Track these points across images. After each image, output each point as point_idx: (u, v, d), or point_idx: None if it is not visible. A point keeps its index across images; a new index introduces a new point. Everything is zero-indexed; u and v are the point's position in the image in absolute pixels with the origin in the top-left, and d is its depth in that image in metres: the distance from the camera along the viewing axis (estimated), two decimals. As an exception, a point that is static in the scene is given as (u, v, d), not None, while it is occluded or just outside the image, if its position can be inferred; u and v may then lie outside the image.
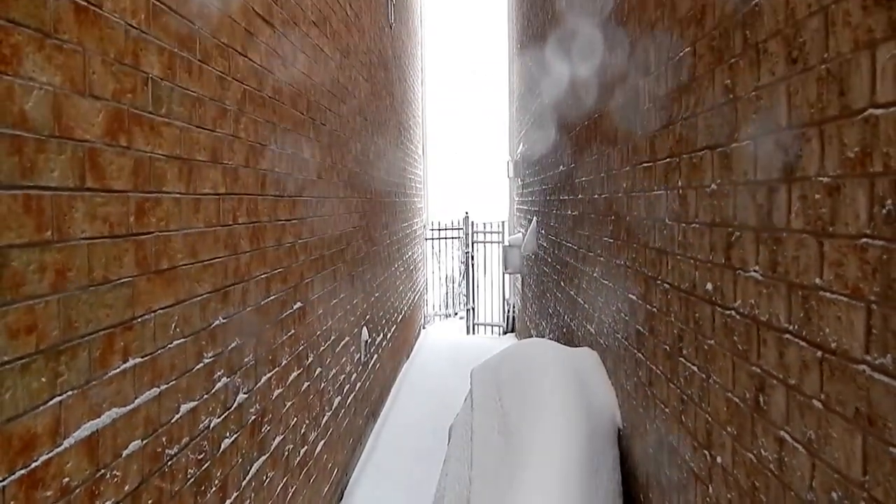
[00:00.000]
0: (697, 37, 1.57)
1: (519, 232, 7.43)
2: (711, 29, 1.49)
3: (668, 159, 1.82)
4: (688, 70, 1.63)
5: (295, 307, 2.65)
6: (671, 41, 1.78)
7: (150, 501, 1.42)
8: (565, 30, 3.72)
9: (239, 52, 2.04)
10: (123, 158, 1.36)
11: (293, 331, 2.62)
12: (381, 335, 5.03)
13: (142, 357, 1.43)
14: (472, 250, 9.67)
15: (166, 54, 1.56)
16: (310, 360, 2.87)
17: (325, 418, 3.11)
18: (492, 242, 9.67)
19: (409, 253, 7.29)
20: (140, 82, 1.44)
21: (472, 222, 9.74)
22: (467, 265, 9.72)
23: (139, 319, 1.42)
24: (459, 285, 10.57)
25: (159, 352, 1.50)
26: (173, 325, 1.57)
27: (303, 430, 2.72)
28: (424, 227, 9.23)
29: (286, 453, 2.47)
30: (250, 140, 2.14)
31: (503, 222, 9.70)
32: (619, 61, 2.41)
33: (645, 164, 2.07)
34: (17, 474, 1.02)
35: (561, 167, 3.94)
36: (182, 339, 1.62)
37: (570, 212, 3.60)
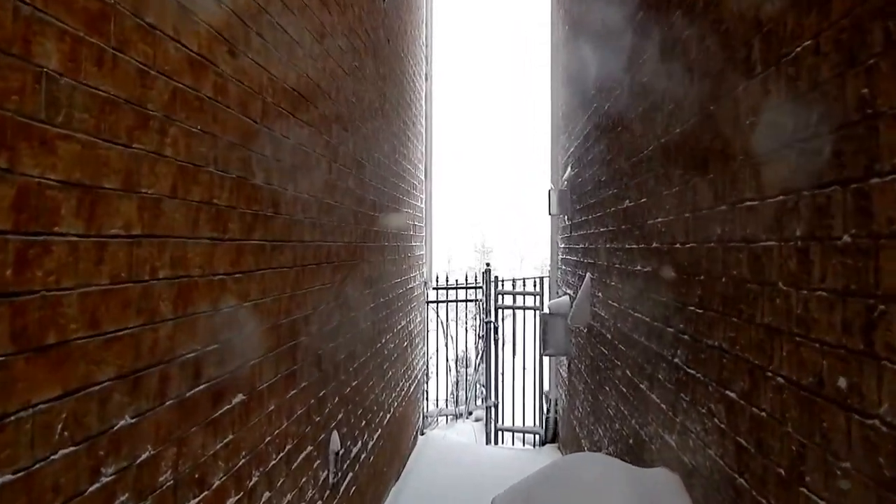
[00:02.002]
0: (821, 27, 1.62)
1: (564, 294, 7.45)
2: (840, 17, 1.54)
3: (780, 197, 1.85)
4: (808, 72, 1.68)
5: (235, 401, 2.64)
6: (785, 30, 1.83)
7: None
8: (630, 14, 3.85)
9: (170, 35, 2.10)
10: (2, 186, 1.39)
11: (231, 436, 2.61)
12: (360, 444, 4.99)
13: (12, 474, 1.41)
14: (497, 319, 9.75)
15: (68, 40, 1.60)
16: (254, 480, 2.85)
17: (273, 570, 3.05)
18: (524, 308, 9.69)
19: (404, 322, 7.31)
20: (31, 79, 1.48)
21: (498, 278, 9.88)
22: (488, 341, 9.76)
23: (11, 418, 1.41)
24: (476, 371, 10.51)
25: (38, 466, 1.49)
26: (59, 427, 1.57)
27: (239, 588, 2.67)
28: (426, 283, 9.29)
29: None
30: (181, 159, 2.19)
31: (541, 279, 9.76)
32: (708, 56, 2.48)
33: (748, 203, 2.10)
34: None
35: (626, 202, 3.99)
36: (72, 448, 1.61)
37: (638, 267, 3.63)
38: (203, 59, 2.36)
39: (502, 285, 9.91)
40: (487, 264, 10.29)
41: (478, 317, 10.39)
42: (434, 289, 9.91)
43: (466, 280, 10.29)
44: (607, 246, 4.68)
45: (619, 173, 4.22)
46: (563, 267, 7.74)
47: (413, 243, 8.08)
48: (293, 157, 3.39)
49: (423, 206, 9.03)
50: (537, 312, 9.45)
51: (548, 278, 9.12)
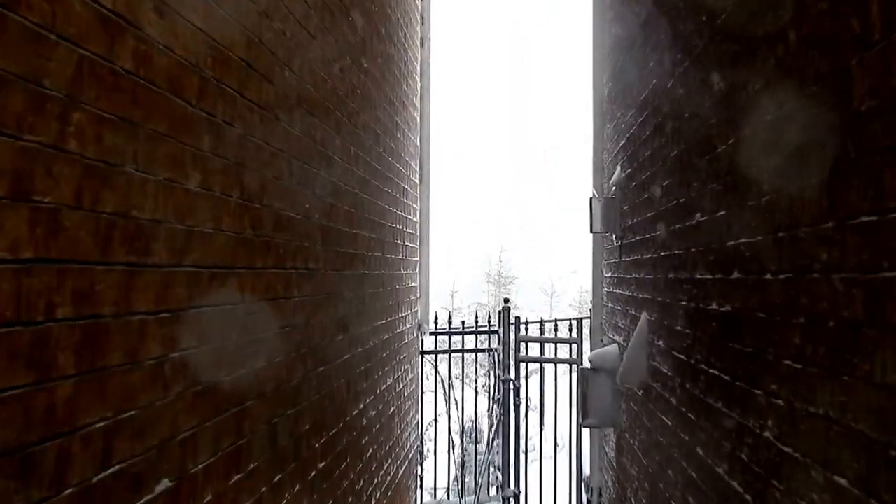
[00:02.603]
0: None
1: (611, 342, 7.44)
2: None
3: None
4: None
5: (159, 489, 2.64)
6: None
7: None
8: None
9: (77, -11, 2.17)
10: None
11: (152, 538, 2.59)
12: (329, 549, 4.98)
13: None
14: (518, 377, 9.79)
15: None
16: None
17: None
18: (556, 362, 9.65)
19: (390, 380, 7.33)
20: None
21: (520, 320, 9.91)
22: (506, 407, 9.79)
23: None
24: (489, 448, 10.46)
25: None
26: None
27: None
28: (421, 327, 9.31)
29: None
30: (88, 156, 2.21)
31: (579, 322, 9.74)
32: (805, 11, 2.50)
33: (864, 219, 2.12)
34: None
35: (697, 216, 4.01)
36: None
37: (714, 305, 3.64)
38: (120, 18, 2.38)
39: (526, 330, 9.90)
40: (506, 300, 10.27)
41: (492, 373, 10.33)
42: (432, 334, 9.91)
43: (477, 322, 10.29)
44: (670, 276, 4.69)
45: (688, 176, 4.24)
46: (610, 304, 7.75)
47: (404, 271, 8.12)
48: (240, 152, 3.42)
49: (417, 219, 9.07)
50: (574, 367, 9.44)
51: (588, 320, 9.11)
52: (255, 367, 3.61)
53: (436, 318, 10.07)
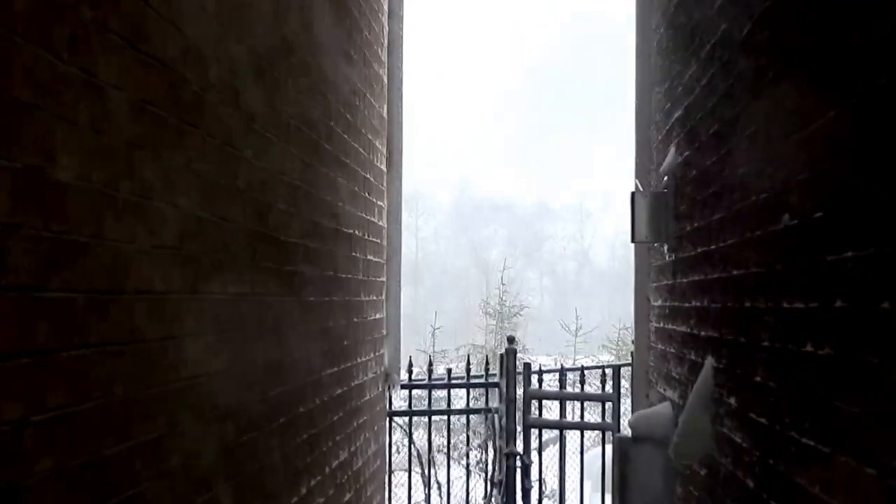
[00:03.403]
0: None
1: (661, 398, 7.42)
2: None
3: None
4: None
5: None
6: None
7: None
8: None
9: None
10: None
11: None
12: None
13: None
14: (528, 449, 9.81)
15: None
16: None
17: None
18: (582, 427, 9.58)
19: (344, 454, 7.31)
20: None
21: (530, 367, 9.97)
22: (510, 490, 9.75)
23: None
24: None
25: None
26: None
27: None
28: (389, 378, 9.27)
29: None
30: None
31: (615, 371, 9.72)
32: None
33: None
34: None
35: (785, 218, 4.01)
36: None
37: (809, 346, 3.63)
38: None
39: (539, 381, 9.91)
40: (510, 340, 10.23)
41: (490, 444, 10.31)
42: (405, 387, 9.91)
43: (469, 371, 10.26)
44: (746, 305, 4.70)
45: (775, 160, 4.24)
46: (660, 345, 7.74)
47: (364, 297, 8.13)
48: (134, 122, 3.43)
49: (383, 222, 9.08)
50: (608, 436, 9.41)
51: (629, 368, 9.12)
52: (149, 436, 3.59)
53: (410, 365, 10.03)
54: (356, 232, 7.62)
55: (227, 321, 4.51)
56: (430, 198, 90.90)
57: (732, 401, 5.00)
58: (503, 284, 40.72)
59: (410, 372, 9.99)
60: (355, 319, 7.63)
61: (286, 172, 5.51)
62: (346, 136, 7.26)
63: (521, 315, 40.31)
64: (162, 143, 3.70)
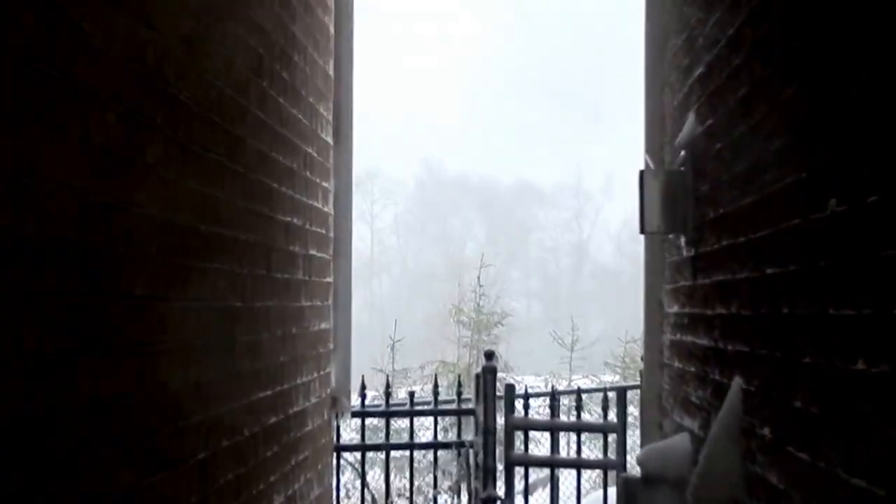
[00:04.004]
0: None
1: (677, 428, 7.43)
2: None
3: None
4: None
5: None
6: None
7: None
8: None
9: None
10: None
11: None
12: None
13: None
14: (509, 491, 9.82)
15: None
16: None
17: None
18: (578, 466, 9.57)
19: (280, 497, 7.28)
20: None
21: (513, 391, 10.04)
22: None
23: None
24: None
25: None
26: None
27: None
28: (337, 403, 9.26)
29: None
30: None
31: (620, 393, 9.72)
32: None
33: None
34: None
35: (832, 203, 4.01)
36: None
37: (861, 364, 3.63)
38: None
39: (525, 407, 9.93)
40: (489, 355, 10.25)
41: (464, 485, 10.33)
42: (356, 415, 9.90)
43: (436, 394, 10.23)
44: (784, 312, 4.70)
45: (819, 132, 4.25)
46: (677, 363, 7.76)
47: (306, 302, 8.17)
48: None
49: (329, 209, 9.09)
50: (611, 476, 9.43)
51: (637, 391, 9.13)
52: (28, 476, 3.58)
53: (363, 387, 10.03)
54: (294, 220, 7.62)
55: (136, 331, 4.50)
56: (390, 178, 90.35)
57: (766, 432, 5.01)
58: (480, 286, 40.12)
59: (363, 396, 10.01)
60: (294, 330, 7.63)
61: (206, 145, 5.50)
62: (281, 100, 7.26)
63: (502, 325, 39.84)
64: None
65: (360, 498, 10.35)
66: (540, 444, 10.98)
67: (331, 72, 9.13)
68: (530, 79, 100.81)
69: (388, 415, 9.88)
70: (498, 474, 9.72)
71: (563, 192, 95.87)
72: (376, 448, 10.10)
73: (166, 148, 4.94)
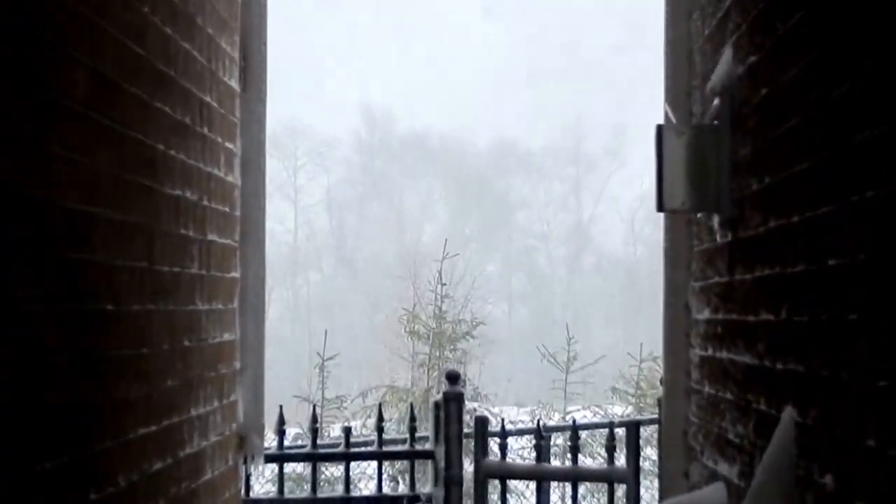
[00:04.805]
0: None
1: (708, 475, 7.46)
2: None
3: None
4: None
5: None
6: None
7: None
8: None
9: None
10: None
11: None
12: None
13: None
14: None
15: None
16: None
17: None
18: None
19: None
20: None
21: (486, 425, 10.04)
22: None
23: None
24: None
25: None
26: None
27: None
28: (245, 442, 9.28)
29: None
30: None
31: (631, 428, 9.76)
32: None
33: None
34: None
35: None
36: None
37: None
38: None
39: (502, 449, 9.97)
40: (452, 378, 10.29)
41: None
42: (273, 459, 9.91)
43: (381, 430, 10.27)
44: (852, 318, 4.69)
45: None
46: (707, 387, 7.78)
47: (201, 304, 8.20)
48: None
49: (235, 178, 9.07)
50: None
51: (655, 427, 9.16)
52: None
53: (282, 420, 10.05)
54: (187, 193, 7.60)
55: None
56: (320, 138, 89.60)
57: (829, 480, 5.02)
58: (443, 285, 39.50)
59: (282, 433, 10.03)
60: (186, 343, 7.61)
61: (64, 91, 5.48)
62: (168, 30, 7.23)
63: (473, 337, 39.23)
64: None
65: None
66: (523, 499, 10.98)
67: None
68: (512, 5, 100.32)
69: (315, 458, 9.90)
70: (466, 541, 9.76)
71: (558, 157, 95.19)
72: (301, 503, 10.13)
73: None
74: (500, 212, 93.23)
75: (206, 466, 8.21)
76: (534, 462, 9.90)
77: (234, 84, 9.01)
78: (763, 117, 6.17)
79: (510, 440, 10.23)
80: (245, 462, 9.27)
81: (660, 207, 7.68)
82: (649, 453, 10.27)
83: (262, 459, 9.52)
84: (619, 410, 32.45)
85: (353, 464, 10.07)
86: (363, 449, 10.14)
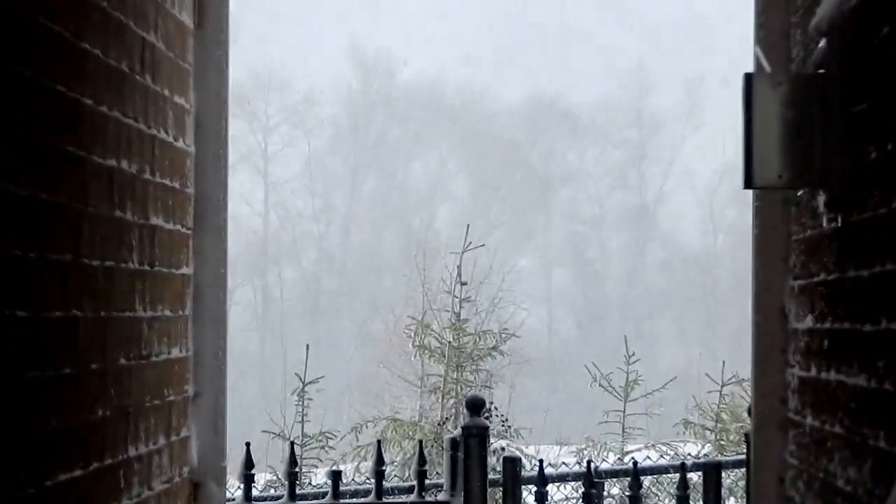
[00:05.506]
0: None
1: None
2: None
3: None
4: None
5: None
6: None
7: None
8: None
9: None
10: None
11: None
12: None
13: None
14: None
15: None
16: None
17: None
18: None
19: None
20: None
21: (518, 466, 9.94)
22: None
23: None
24: None
25: None
26: None
27: None
28: (200, 491, 9.34)
29: None
30: None
31: (710, 472, 9.83)
32: None
33: None
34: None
35: None
36: None
37: None
38: None
39: (539, 498, 10.00)
40: (474, 407, 10.33)
41: None
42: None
43: (380, 475, 10.31)
44: None
45: None
46: (809, 418, 7.79)
47: (144, 310, 8.21)
48: None
49: (188, 142, 9.11)
50: None
51: (742, 471, 9.19)
52: None
53: (249, 461, 10.09)
54: (124, 164, 7.61)
55: None
56: (299, 93, 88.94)
57: None
58: (463, 284, 39.47)
59: (250, 479, 10.06)
60: (122, 361, 7.62)
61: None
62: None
63: (501, 353, 39.14)
64: None
65: None
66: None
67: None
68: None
69: (293, 513, 9.94)
70: None
71: (613, 117, 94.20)
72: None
73: None
74: (536, 189, 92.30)
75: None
76: (579, 515, 9.97)
77: (187, 18, 9.02)
78: (886, 62, 6.16)
79: (550, 488, 10.34)
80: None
81: (748, 183, 7.66)
82: (733, 505, 10.27)
83: (222, 511, 9.55)
84: (694, 449, 32.38)
85: (344, 519, 10.10)
86: (357, 500, 10.17)
